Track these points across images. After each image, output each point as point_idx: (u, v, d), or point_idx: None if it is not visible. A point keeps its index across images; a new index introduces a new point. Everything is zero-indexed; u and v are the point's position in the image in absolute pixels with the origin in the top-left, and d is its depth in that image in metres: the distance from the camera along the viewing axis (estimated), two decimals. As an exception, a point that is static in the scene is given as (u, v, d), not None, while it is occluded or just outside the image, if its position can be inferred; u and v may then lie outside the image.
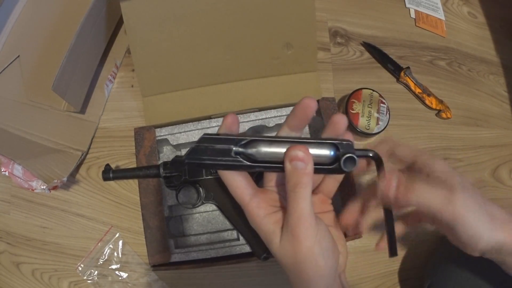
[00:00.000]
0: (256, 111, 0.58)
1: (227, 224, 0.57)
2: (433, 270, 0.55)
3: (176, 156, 0.32)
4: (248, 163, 0.30)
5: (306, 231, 0.27)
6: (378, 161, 0.32)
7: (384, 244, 0.34)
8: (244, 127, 0.57)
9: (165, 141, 0.57)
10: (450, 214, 0.30)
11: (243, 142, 0.30)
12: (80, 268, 0.59)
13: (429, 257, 0.60)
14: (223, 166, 0.31)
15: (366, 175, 0.61)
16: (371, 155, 0.31)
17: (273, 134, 0.61)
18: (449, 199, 0.30)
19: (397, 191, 0.31)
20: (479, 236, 0.31)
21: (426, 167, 0.33)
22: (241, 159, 0.30)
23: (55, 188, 0.57)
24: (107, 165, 0.51)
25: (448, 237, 0.34)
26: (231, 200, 0.51)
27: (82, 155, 0.60)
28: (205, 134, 0.30)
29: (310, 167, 0.27)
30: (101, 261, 0.59)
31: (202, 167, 0.34)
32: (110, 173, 0.50)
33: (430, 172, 0.32)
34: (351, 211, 0.36)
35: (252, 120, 0.57)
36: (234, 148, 0.30)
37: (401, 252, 0.64)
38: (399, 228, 0.37)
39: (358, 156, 0.29)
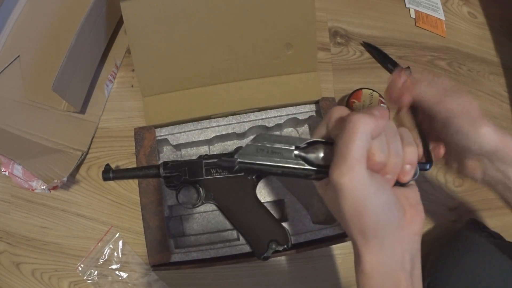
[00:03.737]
0: (256, 111, 0.58)
1: (227, 224, 0.57)
2: (433, 269, 0.55)
3: (223, 157, 0.29)
4: (312, 168, 0.27)
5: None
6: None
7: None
8: (244, 127, 0.57)
9: (165, 141, 0.57)
10: (443, 107, 0.34)
11: (304, 144, 0.28)
12: (80, 268, 0.59)
13: (428, 256, 0.60)
14: (282, 169, 0.27)
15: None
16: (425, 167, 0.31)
17: (273, 134, 0.61)
18: (444, 95, 0.34)
19: (404, 84, 0.35)
20: (473, 133, 0.34)
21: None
22: (302, 162, 0.27)
23: (55, 188, 0.57)
24: (107, 165, 0.51)
25: (448, 143, 0.37)
26: (231, 200, 0.51)
27: (82, 155, 0.60)
28: (259, 134, 0.27)
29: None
30: (101, 261, 0.59)
31: (255, 171, 0.29)
32: (110, 173, 0.50)
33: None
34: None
35: (252, 120, 0.57)
36: (295, 150, 0.27)
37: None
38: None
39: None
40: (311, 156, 0.28)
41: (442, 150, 0.38)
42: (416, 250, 0.30)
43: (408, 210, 0.29)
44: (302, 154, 0.28)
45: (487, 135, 0.34)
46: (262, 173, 0.29)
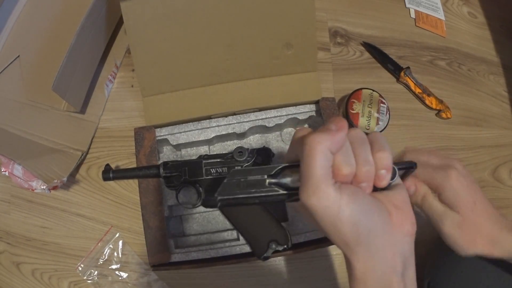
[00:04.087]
0: (256, 111, 0.58)
1: (227, 224, 0.57)
2: (433, 268, 0.55)
3: (206, 197, 0.32)
4: (285, 192, 0.29)
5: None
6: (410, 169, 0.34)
7: None
8: (244, 127, 0.57)
9: (165, 141, 0.57)
10: (438, 229, 0.39)
11: (274, 171, 0.29)
12: (80, 268, 0.59)
13: (428, 256, 0.60)
14: (259, 198, 0.29)
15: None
16: (411, 166, 0.33)
17: (273, 134, 0.61)
18: (441, 219, 0.38)
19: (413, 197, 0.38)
20: (464, 250, 0.38)
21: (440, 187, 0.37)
22: (277, 189, 0.29)
23: (55, 188, 0.57)
24: (107, 165, 0.51)
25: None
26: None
27: (82, 155, 0.60)
28: (233, 169, 0.30)
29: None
30: (101, 261, 0.59)
31: (236, 204, 0.31)
32: (110, 173, 0.50)
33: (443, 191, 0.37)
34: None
35: (252, 120, 0.57)
36: (267, 179, 0.29)
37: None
38: None
39: (399, 169, 0.31)
40: (284, 180, 0.30)
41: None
42: (409, 251, 0.30)
43: (394, 212, 0.29)
44: (275, 180, 0.29)
45: (476, 254, 0.37)
46: (242, 204, 0.31)
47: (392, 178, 0.30)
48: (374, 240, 0.28)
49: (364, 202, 0.28)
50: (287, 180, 0.29)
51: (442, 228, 0.38)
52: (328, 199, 0.26)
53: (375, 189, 0.30)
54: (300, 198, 0.27)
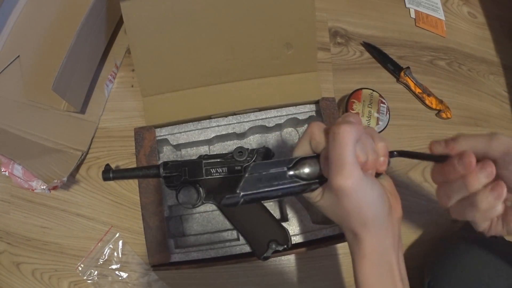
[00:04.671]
0: (256, 111, 0.58)
1: (227, 224, 0.57)
2: (433, 268, 0.55)
3: (227, 196, 0.29)
4: (306, 182, 0.31)
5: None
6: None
7: None
8: (244, 127, 0.57)
9: (165, 141, 0.57)
10: None
11: (293, 163, 0.31)
12: (80, 268, 0.59)
13: (428, 256, 0.60)
14: (282, 191, 0.30)
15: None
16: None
17: (273, 134, 0.61)
18: None
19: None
20: None
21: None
22: (297, 179, 0.30)
23: (55, 188, 0.57)
24: (107, 165, 0.51)
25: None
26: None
27: (82, 155, 0.60)
28: (253, 164, 0.30)
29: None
30: (101, 261, 0.59)
31: (259, 199, 0.31)
32: (110, 173, 0.50)
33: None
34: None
35: (252, 120, 0.57)
36: (288, 171, 0.30)
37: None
38: None
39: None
40: (302, 172, 0.31)
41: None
42: (399, 233, 0.34)
43: (390, 197, 0.34)
44: (295, 172, 0.30)
45: None
46: (264, 199, 0.31)
47: (388, 164, 0.33)
48: (384, 220, 0.32)
49: (380, 188, 0.32)
50: (306, 171, 0.31)
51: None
52: (360, 182, 0.29)
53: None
54: (333, 182, 0.29)
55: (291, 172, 0.30)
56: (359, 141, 0.31)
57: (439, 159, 0.32)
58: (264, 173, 0.30)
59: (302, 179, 0.31)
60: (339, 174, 0.29)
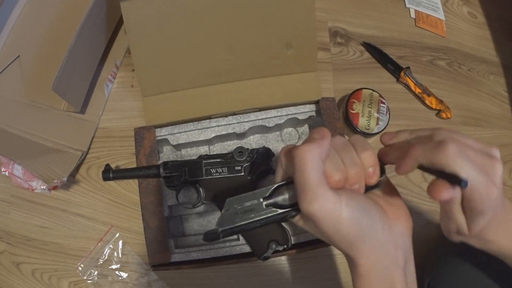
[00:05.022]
0: (256, 111, 0.58)
1: (227, 224, 0.57)
2: (433, 268, 0.55)
3: (207, 232, 0.30)
4: (283, 210, 0.30)
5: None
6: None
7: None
8: (244, 127, 0.57)
9: (165, 141, 0.57)
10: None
11: (269, 193, 0.30)
12: (80, 268, 0.59)
13: (428, 256, 0.60)
14: (259, 222, 0.30)
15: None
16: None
17: (273, 134, 0.61)
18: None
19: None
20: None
21: None
22: (274, 209, 0.30)
23: (55, 188, 0.57)
24: (107, 165, 0.51)
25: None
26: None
27: (82, 155, 0.60)
28: (227, 200, 0.30)
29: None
30: (101, 261, 0.59)
31: (238, 232, 0.31)
32: (110, 173, 0.50)
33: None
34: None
35: (252, 120, 0.57)
36: (263, 201, 0.30)
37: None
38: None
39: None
40: (279, 200, 0.30)
41: None
42: (408, 246, 0.31)
43: (389, 209, 0.31)
44: (271, 201, 0.30)
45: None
46: (244, 231, 0.32)
47: (381, 175, 0.31)
48: (376, 235, 0.29)
49: (361, 201, 0.29)
50: (282, 198, 0.30)
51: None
52: (328, 203, 0.27)
53: (367, 189, 0.31)
54: (301, 208, 0.27)
55: (267, 202, 0.30)
56: (331, 157, 0.29)
57: (442, 175, 0.27)
58: (239, 207, 0.30)
59: (280, 207, 0.30)
60: (304, 200, 0.27)
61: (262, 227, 0.31)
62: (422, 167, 0.29)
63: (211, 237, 0.30)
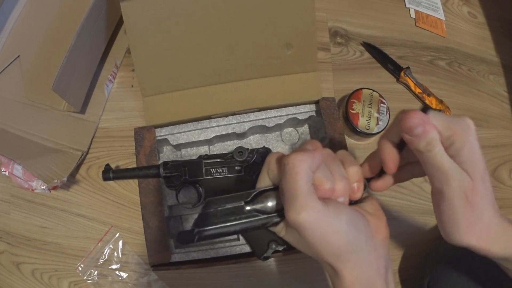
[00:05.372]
0: (256, 111, 0.58)
1: (227, 224, 0.57)
2: (433, 267, 0.55)
3: (181, 232, 0.28)
4: (264, 216, 0.29)
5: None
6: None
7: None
8: (244, 127, 0.57)
9: (165, 141, 0.57)
10: (437, 186, 0.29)
11: (251, 197, 0.29)
12: (80, 268, 0.59)
13: (428, 256, 0.60)
14: (240, 225, 0.28)
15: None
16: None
17: (273, 134, 0.61)
18: (446, 177, 0.28)
19: (416, 141, 0.29)
20: (455, 232, 0.30)
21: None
22: (255, 214, 0.29)
23: (55, 188, 0.57)
24: (107, 165, 0.51)
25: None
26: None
27: (82, 155, 0.60)
28: (207, 200, 0.28)
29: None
30: (101, 261, 0.59)
31: (215, 235, 0.29)
32: (110, 173, 0.50)
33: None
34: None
35: (252, 120, 0.57)
36: (245, 205, 0.29)
37: (400, 252, 0.64)
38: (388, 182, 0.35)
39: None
40: (261, 205, 0.29)
41: (422, 172, 0.32)
42: (387, 254, 0.31)
43: (371, 219, 0.31)
44: (253, 206, 0.29)
45: (466, 244, 0.30)
46: (224, 235, 0.29)
47: (364, 189, 0.32)
48: (361, 247, 0.29)
49: (348, 212, 0.28)
50: (265, 204, 0.29)
51: (445, 191, 0.28)
52: (317, 213, 0.26)
53: (349, 203, 0.31)
54: (287, 218, 0.27)
55: (249, 207, 0.29)
56: (321, 168, 0.28)
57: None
58: (219, 208, 0.28)
59: (262, 213, 0.29)
60: (292, 208, 0.26)
61: (242, 232, 0.29)
62: (398, 146, 0.30)
63: (185, 238, 0.28)
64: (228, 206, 0.29)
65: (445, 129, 0.28)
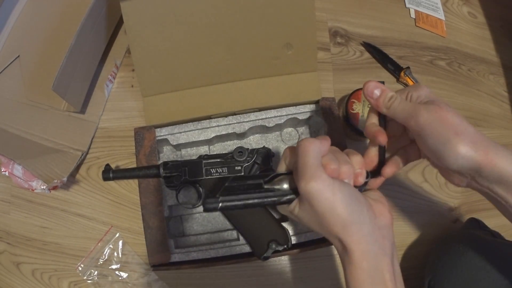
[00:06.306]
0: (256, 111, 0.58)
1: (227, 224, 0.57)
2: (433, 267, 0.55)
3: (207, 199, 0.32)
4: (281, 193, 0.33)
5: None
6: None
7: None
8: (244, 127, 0.57)
9: (165, 141, 0.57)
10: (414, 124, 0.33)
11: (269, 177, 0.34)
12: (80, 268, 0.59)
13: (428, 256, 0.60)
14: (257, 198, 0.33)
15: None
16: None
17: (273, 134, 0.61)
18: (416, 110, 0.33)
19: (378, 100, 0.36)
20: (449, 154, 0.31)
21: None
22: (271, 192, 0.33)
23: (55, 188, 0.57)
24: (107, 165, 0.51)
25: (427, 155, 0.36)
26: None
27: (82, 155, 0.60)
28: (233, 176, 0.34)
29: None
30: (101, 261, 0.59)
31: (236, 206, 0.33)
32: (110, 173, 0.50)
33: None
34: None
35: (252, 120, 0.57)
36: (264, 183, 0.34)
37: (400, 252, 0.64)
38: (391, 168, 0.38)
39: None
40: (277, 186, 0.34)
41: (416, 154, 0.38)
42: (392, 238, 0.34)
43: (373, 204, 0.34)
44: (270, 186, 0.34)
45: (465, 156, 0.30)
46: (242, 208, 0.34)
47: (367, 177, 0.36)
48: (364, 220, 0.32)
49: (351, 190, 0.33)
50: (280, 184, 0.34)
51: (418, 121, 0.32)
52: (325, 182, 0.31)
53: None
54: (299, 188, 0.31)
55: (267, 186, 0.34)
56: (328, 154, 0.34)
57: None
58: (242, 183, 0.33)
59: (277, 191, 0.34)
60: (303, 178, 0.31)
61: (261, 205, 0.33)
62: (380, 124, 0.37)
63: (211, 205, 0.32)
64: (250, 182, 0.33)
65: (401, 91, 0.36)
